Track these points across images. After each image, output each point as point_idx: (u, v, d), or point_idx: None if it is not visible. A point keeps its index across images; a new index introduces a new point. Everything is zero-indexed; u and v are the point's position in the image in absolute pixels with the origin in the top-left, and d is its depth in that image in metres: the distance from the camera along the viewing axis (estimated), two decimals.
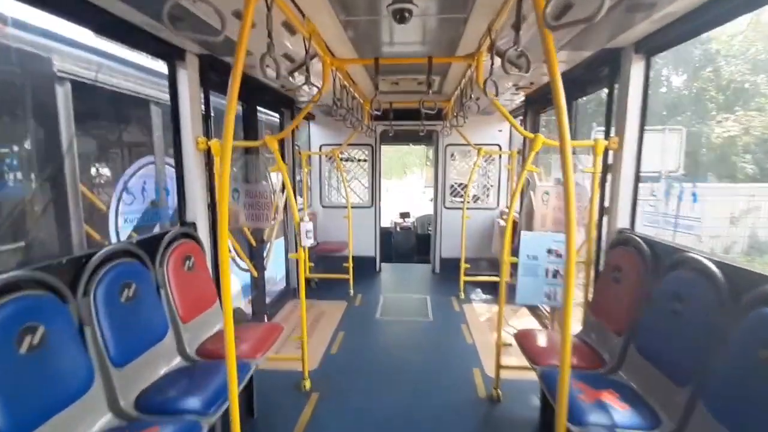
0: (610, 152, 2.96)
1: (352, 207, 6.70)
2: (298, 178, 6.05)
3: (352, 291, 5.77)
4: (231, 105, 1.68)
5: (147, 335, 2.36)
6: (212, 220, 3.19)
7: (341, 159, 6.93)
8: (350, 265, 5.79)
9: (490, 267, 6.62)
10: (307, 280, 6.00)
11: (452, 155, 6.78)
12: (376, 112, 4.39)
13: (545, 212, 3.10)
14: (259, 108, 5.23)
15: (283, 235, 5.47)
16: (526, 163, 2.96)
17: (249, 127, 4.21)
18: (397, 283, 6.52)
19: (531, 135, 2.91)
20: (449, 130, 5.92)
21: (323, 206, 6.95)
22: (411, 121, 6.33)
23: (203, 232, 3.12)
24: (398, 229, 8.43)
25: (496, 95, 2.59)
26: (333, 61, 3.14)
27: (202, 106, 3.12)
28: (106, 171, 3.71)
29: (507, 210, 6.55)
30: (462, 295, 5.60)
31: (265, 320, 4.63)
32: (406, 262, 8.15)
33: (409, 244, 8.39)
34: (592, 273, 3.06)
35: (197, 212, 3.07)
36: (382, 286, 6.35)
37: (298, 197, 5.84)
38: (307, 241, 3.10)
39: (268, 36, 1.89)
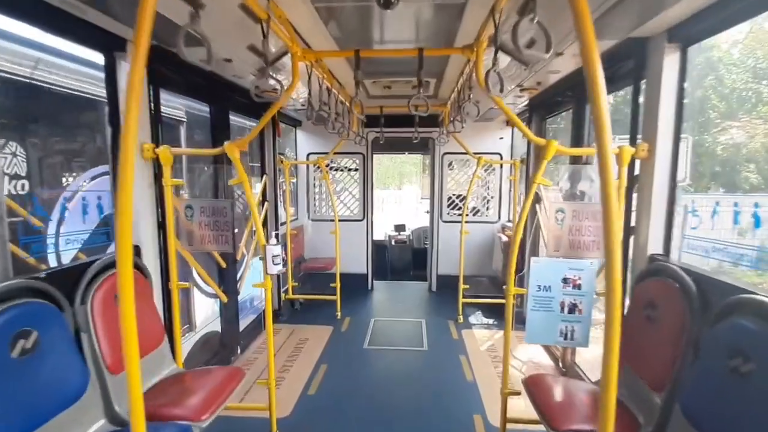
0: (637, 162, 2.47)
1: (342, 220, 6.20)
2: (283, 189, 5.55)
3: (339, 313, 5.24)
4: (133, 94, 1.17)
5: (52, 398, 1.83)
6: (163, 242, 2.68)
7: (330, 168, 6.45)
8: (337, 284, 5.26)
9: (492, 286, 6.10)
10: (291, 302, 5.47)
11: (450, 165, 6.30)
12: (361, 117, 3.88)
13: (559, 234, 2.61)
14: (240, 115, 4.77)
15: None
16: (536, 174, 2.46)
17: (219, 133, 3.72)
18: (389, 303, 5.99)
19: (543, 141, 2.43)
20: (446, 138, 5.45)
21: (312, 219, 6.45)
22: (404, 128, 5.87)
23: (150, 257, 2.61)
24: (393, 242, 7.92)
25: (501, 92, 2.11)
26: (306, 54, 2.65)
27: (151, 106, 2.62)
28: (46, 181, 3.20)
29: (509, 224, 6.05)
30: (461, 319, 5.07)
31: (238, 352, 4.09)
32: (402, 279, 7.62)
33: (404, 260, 7.88)
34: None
35: (142, 233, 2.56)
36: (374, 307, 5.81)
37: (283, 210, 5.34)
38: (274, 268, 2.58)
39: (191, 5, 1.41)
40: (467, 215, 6.30)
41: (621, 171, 2.44)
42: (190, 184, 4.82)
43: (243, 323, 4.32)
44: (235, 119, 5.03)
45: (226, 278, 3.81)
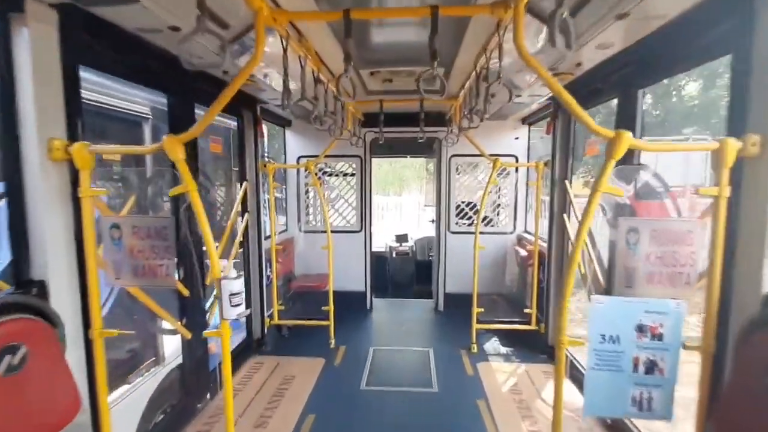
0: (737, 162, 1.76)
1: (336, 232, 5.49)
2: (270, 196, 4.85)
3: (333, 341, 4.50)
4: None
5: None
6: (81, 274, 1.96)
7: (324, 173, 5.74)
8: (330, 308, 4.53)
9: (507, 306, 5.37)
10: (278, 327, 4.74)
11: (458, 169, 5.60)
12: (357, 115, 3.19)
13: (632, 262, 1.88)
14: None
15: (245, 269, 4.24)
16: (599, 182, 1.74)
17: (179, 128, 3.00)
18: (391, 327, 5.25)
19: (610, 133, 1.71)
20: (455, 138, 4.75)
21: (303, 231, 5.73)
22: (406, 127, 5.18)
23: (64, 295, 1.89)
24: (394, 254, 7.19)
25: (569, 47, 1.42)
26: (275, 15, 1.95)
27: (66, 89, 1.91)
28: None
29: (527, 235, 5.33)
30: (474, 348, 4.34)
31: (207, 396, 3.36)
32: (404, 295, 6.88)
33: (407, 273, 7.15)
34: (710, 367, 1.82)
35: (51, 263, 1.85)
36: (373, 332, 5.08)
37: (266, 219, 4.62)
38: (232, 311, 1.86)
39: None
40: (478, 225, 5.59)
41: (721, 175, 1.73)
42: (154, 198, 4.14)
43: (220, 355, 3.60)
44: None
45: (190, 309, 3.08)
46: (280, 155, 5.69)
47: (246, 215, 4.09)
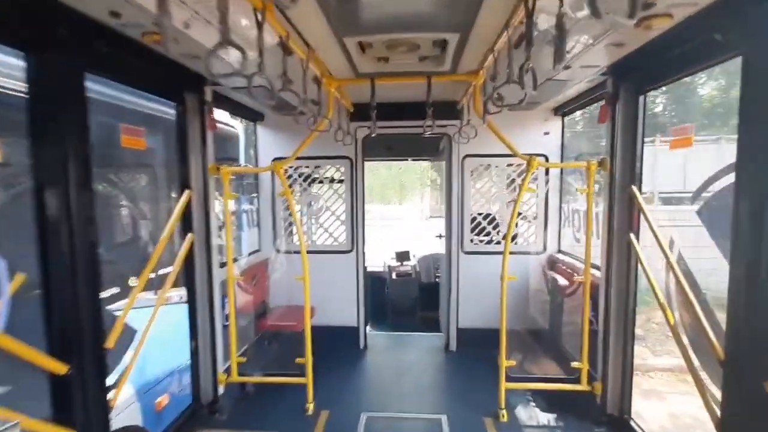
0: None
1: (322, 252, 4.39)
2: (225, 209, 3.73)
3: (311, 405, 3.34)
4: None
5: None
6: None
7: (306, 179, 4.63)
8: (308, 359, 3.38)
9: (535, 345, 4.23)
10: (242, 385, 3.59)
11: (473, 172, 4.47)
12: (334, 81, 2.20)
13: None
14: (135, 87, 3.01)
15: (189, 308, 3.10)
16: None
17: (52, 114, 1.86)
18: (391, 378, 4.08)
19: None
20: (471, 132, 3.65)
21: (282, 251, 4.60)
22: (407, 121, 4.10)
23: None
24: (394, 276, 6.05)
25: None
26: None
27: None
28: None
29: (564, 256, 4.20)
30: (504, 416, 3.18)
31: None
32: (406, 325, 5.73)
33: (409, 299, 6.00)
34: None
35: None
36: (367, 385, 3.92)
37: (220, 240, 3.49)
38: None
39: None
40: (497, 242, 4.46)
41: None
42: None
43: None
44: (134, 100, 3.23)
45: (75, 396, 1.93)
46: (248, 157, 4.60)
47: (189, 236, 2.97)
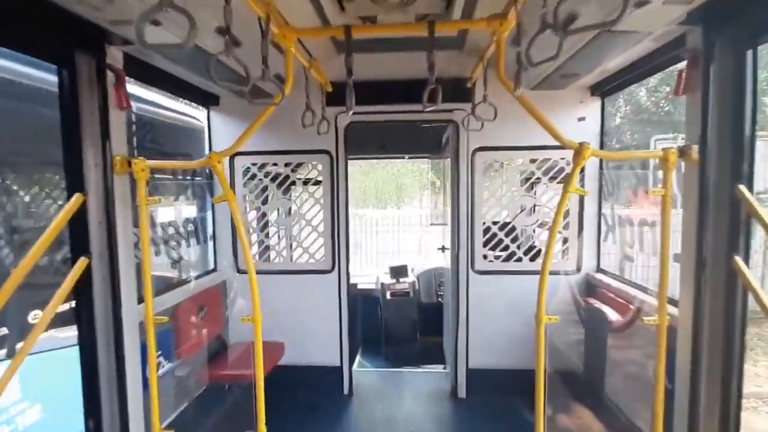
0: None
1: (290, 273, 3.46)
2: (142, 221, 2.77)
3: None
4: None
5: None
6: None
7: (273, 179, 3.67)
8: (260, 426, 2.39)
9: (565, 391, 3.28)
10: None
11: (486, 169, 3.51)
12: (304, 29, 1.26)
13: None
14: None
15: (82, 354, 2.13)
16: None
17: None
18: None
19: None
20: (489, 113, 2.71)
21: (240, 271, 3.63)
22: (401, 104, 3.19)
23: None
24: (389, 295, 5.07)
25: None
26: None
27: None
28: None
29: (601, 278, 3.25)
30: None
31: None
32: (404, 358, 4.77)
33: (407, 321, 5.02)
34: None
35: None
36: None
37: (185, 254, 2.52)
38: None
39: None
40: (517, 258, 3.51)
41: None
42: None
43: None
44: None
45: None
46: (198, 151, 3.62)
47: (81, 261, 2.00)
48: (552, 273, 3.34)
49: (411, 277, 5.25)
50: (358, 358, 4.88)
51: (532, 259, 3.46)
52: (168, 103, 3.33)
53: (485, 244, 3.48)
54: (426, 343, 5.02)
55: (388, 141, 4.85)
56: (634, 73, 2.81)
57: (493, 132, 3.27)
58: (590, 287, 3.33)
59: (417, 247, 9.38)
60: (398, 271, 5.20)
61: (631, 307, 2.78)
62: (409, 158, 5.53)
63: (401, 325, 5.06)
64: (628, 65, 2.75)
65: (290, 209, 3.71)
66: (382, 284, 5.13)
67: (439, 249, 4.68)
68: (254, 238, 3.72)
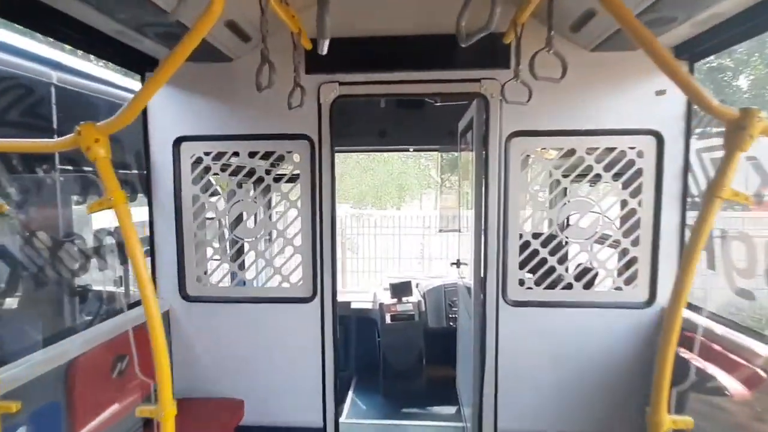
0: None
1: (261, 300, 2.52)
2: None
3: None
4: None
5: None
6: None
7: (233, 173, 2.71)
8: None
9: None
10: None
11: (524, 161, 2.56)
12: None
13: None
14: None
15: None
16: None
17: None
18: None
19: None
20: (547, 73, 1.74)
21: (189, 298, 2.67)
22: (406, 71, 2.25)
23: None
24: (388, 319, 4.14)
25: None
26: None
27: None
28: None
29: (691, 317, 2.30)
30: None
31: None
32: (407, 397, 3.84)
33: (410, 352, 4.08)
34: None
35: None
36: None
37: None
38: None
39: None
40: (566, 284, 2.57)
41: None
42: None
43: None
44: None
45: None
46: (131, 137, 2.65)
47: None
48: (610, 306, 2.43)
49: (416, 296, 4.30)
50: (349, 396, 3.96)
51: (588, 287, 2.52)
52: (82, 68, 2.38)
53: (522, 265, 2.54)
54: (434, 376, 4.09)
55: (389, 127, 3.92)
56: (748, 23, 1.88)
57: (536, 110, 2.34)
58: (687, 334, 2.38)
59: (420, 252, 8.43)
60: (400, 289, 4.25)
61: (751, 366, 1.86)
62: (414, 150, 4.57)
63: (404, 355, 4.12)
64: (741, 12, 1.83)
65: (256, 215, 2.76)
66: (381, 305, 4.18)
67: (453, 264, 3.74)
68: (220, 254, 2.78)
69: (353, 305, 4.36)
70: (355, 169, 11.85)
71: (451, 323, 4.19)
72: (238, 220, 2.73)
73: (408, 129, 4.00)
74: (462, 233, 3.68)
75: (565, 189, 2.64)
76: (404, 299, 4.22)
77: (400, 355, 4.12)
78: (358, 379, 4.23)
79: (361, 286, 8.21)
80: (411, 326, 4.12)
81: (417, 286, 4.56)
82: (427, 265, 8.24)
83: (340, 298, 3.10)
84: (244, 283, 2.71)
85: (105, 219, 2.56)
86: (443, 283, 4.43)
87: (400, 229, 8.41)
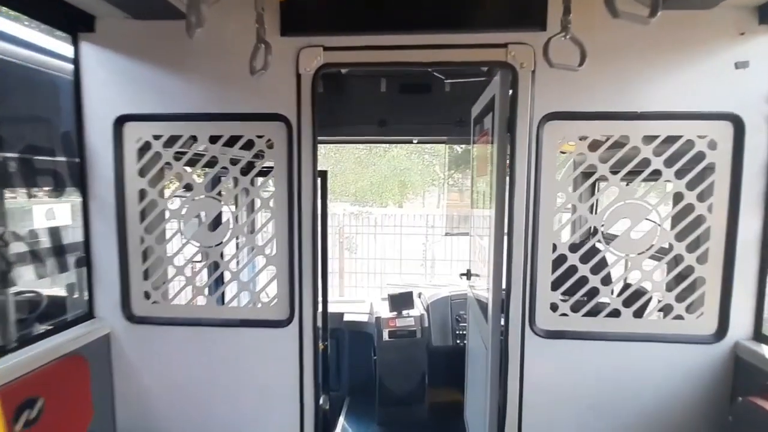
0: None
1: (226, 325, 1.96)
2: None
3: None
4: None
5: None
6: None
7: (187, 162, 2.15)
8: None
9: None
10: None
11: (561, 151, 2.01)
12: None
13: None
14: None
15: None
16: None
17: None
18: None
19: None
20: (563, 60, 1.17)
21: (135, 319, 2.14)
22: (417, 33, 1.66)
23: None
24: (386, 335, 3.61)
25: None
26: None
27: None
28: None
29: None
30: None
31: None
32: (407, 427, 3.32)
33: (411, 375, 3.55)
34: None
35: None
36: None
37: None
38: None
39: None
40: (612, 310, 2.03)
41: None
42: None
43: None
44: None
45: None
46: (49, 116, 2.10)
47: None
48: (666, 339, 1.90)
49: (418, 309, 3.76)
50: (341, 422, 3.44)
51: (639, 314, 1.97)
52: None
53: (556, 285, 1.99)
54: (438, 402, 3.57)
55: (390, 115, 3.38)
56: None
57: (578, 86, 1.80)
58: (748, 371, 1.84)
59: (422, 254, 7.88)
60: (400, 301, 3.71)
61: None
62: (419, 142, 4.01)
63: (403, 378, 3.59)
64: None
65: (220, 216, 2.22)
66: (378, 318, 3.65)
67: (462, 276, 3.19)
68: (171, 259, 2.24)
69: (346, 317, 3.83)
70: (354, 163, 11.30)
71: (459, 341, 3.65)
72: (199, 220, 2.19)
73: (412, 117, 3.45)
74: (473, 237, 3.14)
75: (610, 189, 2.08)
76: (405, 312, 3.68)
77: (399, 378, 3.58)
78: (351, 401, 3.71)
79: (358, 289, 7.72)
80: (412, 344, 3.58)
81: (419, 296, 4.01)
82: (430, 267, 7.70)
83: (332, 308, 2.60)
84: (206, 302, 2.17)
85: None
86: (450, 293, 3.88)
87: (402, 228, 7.87)
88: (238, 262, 2.21)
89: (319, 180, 2.19)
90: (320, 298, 2.50)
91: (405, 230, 7.68)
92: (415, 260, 7.85)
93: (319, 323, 2.29)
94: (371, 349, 3.72)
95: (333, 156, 11.13)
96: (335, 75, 3.23)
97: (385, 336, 3.56)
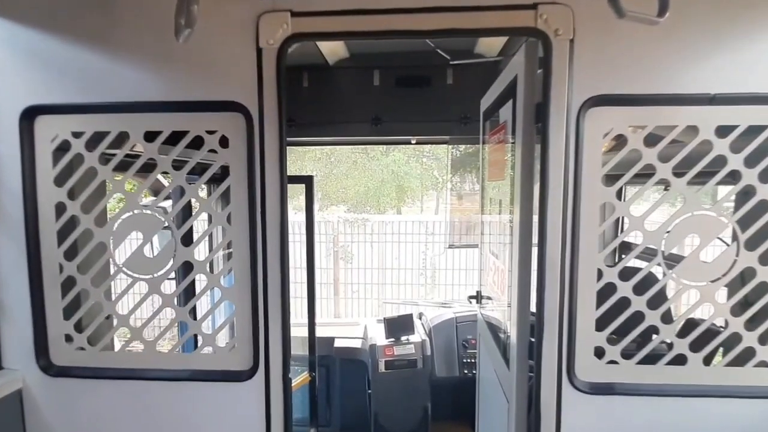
0: None
1: (169, 378, 1.43)
2: None
3: None
4: None
5: None
6: None
7: (116, 167, 1.65)
8: None
9: None
10: None
11: (609, 146, 1.54)
12: None
13: None
14: None
15: None
16: None
17: None
18: None
19: None
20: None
21: (53, 370, 1.65)
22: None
23: None
24: (383, 366, 3.12)
25: None
26: None
27: None
28: None
29: None
30: None
31: None
32: None
33: (412, 410, 3.06)
34: None
35: None
36: None
37: None
38: None
39: None
40: (681, 360, 1.52)
41: None
42: None
43: None
44: None
45: None
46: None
47: None
48: (748, 394, 1.41)
49: (419, 334, 3.28)
50: None
51: (708, 362, 1.50)
52: None
53: (602, 324, 1.51)
54: None
55: (385, 112, 2.93)
56: None
57: (631, 61, 1.34)
58: None
59: (422, 264, 7.41)
60: (398, 326, 3.23)
61: None
62: (418, 142, 3.53)
63: (403, 414, 3.10)
64: None
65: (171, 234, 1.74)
66: (373, 346, 3.16)
67: (471, 299, 2.70)
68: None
69: (337, 343, 3.34)
70: (350, 167, 10.84)
71: (467, 370, 3.16)
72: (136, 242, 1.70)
73: (409, 115, 3.00)
74: (484, 255, 2.66)
75: (670, 196, 1.61)
76: (404, 338, 3.20)
77: (398, 414, 3.10)
78: None
79: (354, 300, 7.29)
80: (412, 376, 3.10)
81: (420, 317, 3.53)
82: (431, 278, 7.22)
83: (321, 332, 2.15)
84: (144, 348, 1.68)
85: None
86: (455, 314, 3.40)
87: (400, 236, 7.41)
88: (183, 297, 1.73)
89: (304, 187, 1.76)
90: (307, 319, 2.06)
91: (403, 238, 7.22)
92: (414, 269, 7.38)
93: (299, 364, 1.83)
94: (365, 379, 3.23)
95: (327, 159, 10.68)
96: (321, 67, 2.81)
97: (381, 367, 3.07)
